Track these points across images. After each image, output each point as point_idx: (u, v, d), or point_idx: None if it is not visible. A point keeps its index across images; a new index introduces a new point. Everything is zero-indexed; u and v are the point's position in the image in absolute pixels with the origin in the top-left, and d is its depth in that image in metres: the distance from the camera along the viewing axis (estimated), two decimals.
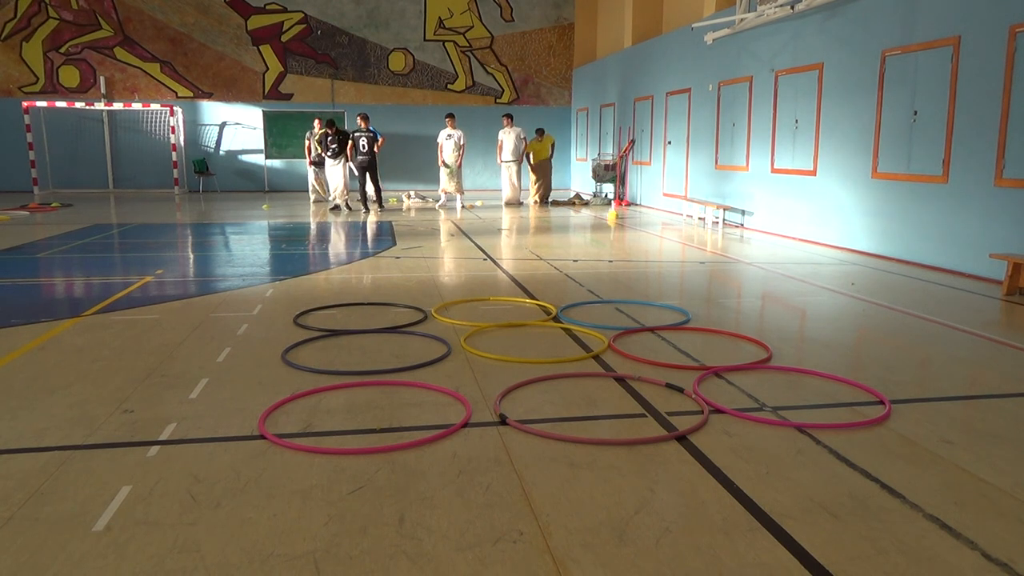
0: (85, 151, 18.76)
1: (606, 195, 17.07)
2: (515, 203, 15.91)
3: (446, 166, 14.95)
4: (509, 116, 15.89)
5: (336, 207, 14.14)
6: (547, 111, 20.73)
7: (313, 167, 15.77)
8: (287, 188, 19.53)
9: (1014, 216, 6.71)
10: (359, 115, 14.62)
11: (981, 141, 7.03)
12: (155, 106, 18.61)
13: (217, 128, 19.37)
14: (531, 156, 15.99)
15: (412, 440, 3.09)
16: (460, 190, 15.29)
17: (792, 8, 9.65)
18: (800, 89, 9.96)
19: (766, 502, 2.59)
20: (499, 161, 16.02)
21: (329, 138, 13.97)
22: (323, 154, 14.23)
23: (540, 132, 16.06)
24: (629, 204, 16.21)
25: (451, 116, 15.15)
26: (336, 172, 14.11)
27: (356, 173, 14.16)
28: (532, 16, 20.25)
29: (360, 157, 13.87)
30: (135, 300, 6.06)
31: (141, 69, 18.74)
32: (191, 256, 8.87)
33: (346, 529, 2.39)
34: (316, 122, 15.37)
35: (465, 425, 3.28)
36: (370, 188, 14.23)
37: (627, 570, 2.17)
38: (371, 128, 16.06)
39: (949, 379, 4.15)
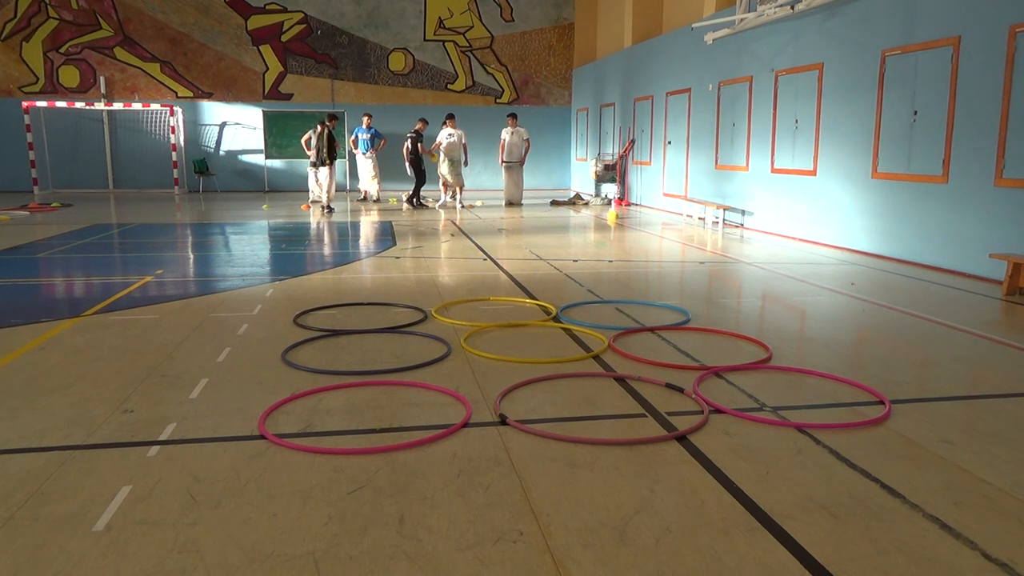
0: (85, 151, 18.76)
1: (606, 195, 17.07)
2: (517, 203, 15.91)
3: (448, 161, 14.92)
4: (513, 116, 15.85)
5: (331, 209, 14.10)
6: (547, 111, 20.73)
7: (314, 168, 15.72)
8: (287, 188, 19.53)
9: (1014, 216, 6.71)
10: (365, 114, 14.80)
11: (981, 141, 7.03)
12: (155, 106, 18.61)
13: (217, 128, 19.36)
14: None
15: (412, 440, 3.09)
16: (460, 186, 15.22)
17: (792, 8, 9.65)
18: (800, 89, 9.96)
19: (766, 502, 2.58)
20: (500, 162, 16.00)
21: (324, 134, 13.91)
22: (320, 156, 14.04)
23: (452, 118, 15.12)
24: (629, 204, 16.21)
25: (451, 117, 15.12)
26: (327, 173, 14.06)
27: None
28: (532, 16, 20.25)
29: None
30: (135, 300, 6.06)
31: (141, 69, 18.74)
32: (191, 256, 8.87)
33: (346, 529, 2.39)
34: (319, 126, 15.28)
35: (465, 425, 3.28)
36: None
37: (627, 570, 2.17)
38: (372, 128, 16.10)
39: (949, 379, 4.15)
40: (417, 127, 15.26)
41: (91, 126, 18.72)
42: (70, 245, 9.43)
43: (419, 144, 15.00)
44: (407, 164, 15.22)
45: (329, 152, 13.89)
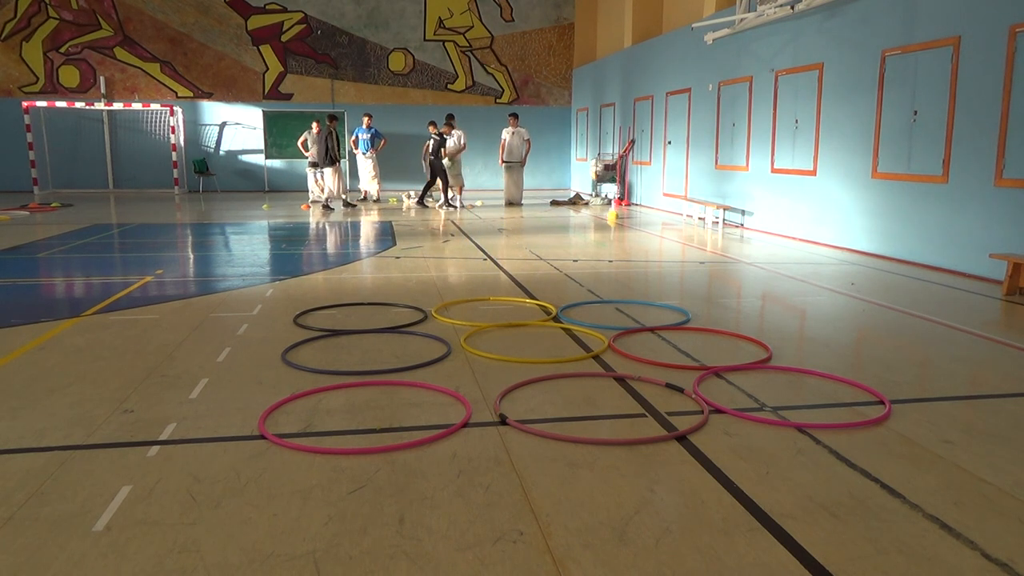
0: (85, 151, 18.76)
1: (606, 195, 17.08)
2: (517, 203, 15.92)
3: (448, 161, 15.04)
4: (515, 116, 15.89)
5: (327, 206, 14.34)
6: (547, 111, 20.73)
7: (313, 168, 15.77)
8: (287, 188, 19.53)
9: (1014, 216, 6.71)
10: (448, 116, 15.15)
11: (981, 141, 7.03)
12: (155, 106, 18.61)
13: (217, 128, 19.37)
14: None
15: (412, 440, 3.09)
16: (460, 187, 15.28)
17: (792, 8, 9.65)
18: (800, 89, 9.96)
19: (766, 502, 2.58)
20: (500, 162, 16.02)
21: (333, 134, 14.29)
22: (330, 155, 14.35)
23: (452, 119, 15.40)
24: (629, 204, 16.21)
25: (451, 117, 15.23)
26: (332, 173, 14.40)
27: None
28: (532, 16, 20.25)
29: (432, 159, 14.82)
30: (135, 300, 6.06)
31: (141, 69, 18.75)
32: (191, 256, 8.87)
33: (346, 529, 2.39)
34: (315, 124, 15.37)
35: (465, 425, 3.28)
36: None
37: (627, 570, 2.17)
38: (373, 129, 16.13)
39: (949, 379, 4.15)
40: (443, 129, 15.20)
41: (91, 126, 18.72)
42: (70, 245, 9.43)
43: (442, 148, 14.97)
44: (424, 163, 15.22)
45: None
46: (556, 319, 5.37)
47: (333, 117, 14.69)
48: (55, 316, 5.46)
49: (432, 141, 14.83)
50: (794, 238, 10.17)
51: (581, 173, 19.80)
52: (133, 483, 2.70)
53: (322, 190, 15.76)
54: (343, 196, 14.69)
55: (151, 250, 9.16)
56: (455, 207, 15.03)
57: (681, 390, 3.76)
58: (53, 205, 14.75)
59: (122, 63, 18.66)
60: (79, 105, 18.21)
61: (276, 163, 19.48)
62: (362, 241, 10.39)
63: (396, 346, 4.64)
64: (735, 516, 2.49)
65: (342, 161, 15.22)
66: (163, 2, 18.60)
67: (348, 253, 9.19)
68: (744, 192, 11.54)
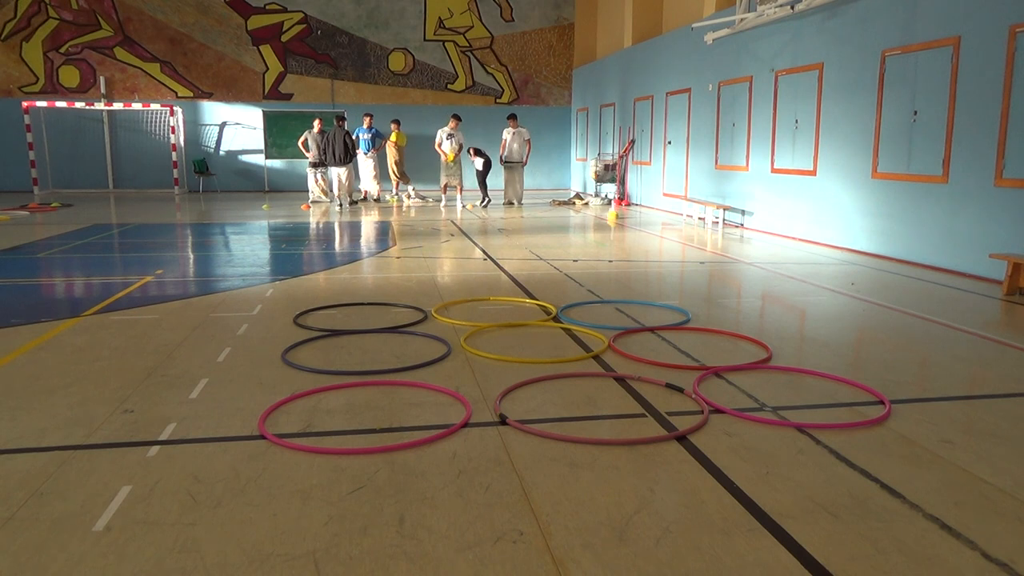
0: (85, 151, 18.76)
1: (606, 195, 17.07)
2: (517, 203, 15.93)
3: (447, 161, 15.18)
4: (514, 116, 15.94)
5: (355, 203, 14.61)
6: (547, 111, 20.73)
7: (313, 168, 15.77)
8: (287, 188, 19.53)
9: (1014, 216, 6.71)
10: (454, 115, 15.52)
11: (981, 141, 7.03)
12: (155, 106, 18.61)
13: (217, 128, 19.36)
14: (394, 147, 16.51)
15: (412, 440, 3.09)
16: (460, 188, 15.39)
17: (792, 8, 9.65)
18: (800, 89, 9.96)
19: (766, 502, 2.58)
20: (500, 161, 16.03)
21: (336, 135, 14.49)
22: (348, 154, 14.55)
23: (398, 123, 16.82)
24: (629, 204, 16.21)
25: (456, 117, 15.25)
26: (342, 173, 14.57)
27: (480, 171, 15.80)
28: (532, 16, 20.25)
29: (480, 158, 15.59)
30: (135, 300, 6.06)
31: (141, 69, 18.74)
32: (191, 256, 8.87)
33: (346, 529, 2.39)
34: (316, 122, 15.40)
35: (465, 425, 3.28)
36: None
37: (627, 570, 2.17)
38: (373, 129, 16.16)
39: (949, 379, 4.15)
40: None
41: (91, 126, 18.72)
42: (70, 245, 9.43)
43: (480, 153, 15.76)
44: (475, 159, 15.72)
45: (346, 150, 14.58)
46: (556, 319, 5.37)
47: (343, 117, 14.96)
48: (55, 316, 5.46)
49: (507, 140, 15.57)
50: (794, 238, 10.17)
51: (581, 173, 19.79)
52: (133, 483, 2.70)
53: (324, 192, 15.79)
54: (348, 196, 14.83)
55: (151, 250, 9.16)
56: (464, 205, 15.24)
57: (681, 390, 3.76)
58: (53, 205, 14.75)
59: (122, 63, 18.66)
60: (79, 105, 18.21)
61: (276, 163, 19.48)
62: (362, 241, 10.39)
63: (396, 346, 4.64)
64: (735, 516, 2.49)
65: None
66: (163, 2, 18.60)
67: (348, 253, 9.19)
68: (744, 192, 11.54)
